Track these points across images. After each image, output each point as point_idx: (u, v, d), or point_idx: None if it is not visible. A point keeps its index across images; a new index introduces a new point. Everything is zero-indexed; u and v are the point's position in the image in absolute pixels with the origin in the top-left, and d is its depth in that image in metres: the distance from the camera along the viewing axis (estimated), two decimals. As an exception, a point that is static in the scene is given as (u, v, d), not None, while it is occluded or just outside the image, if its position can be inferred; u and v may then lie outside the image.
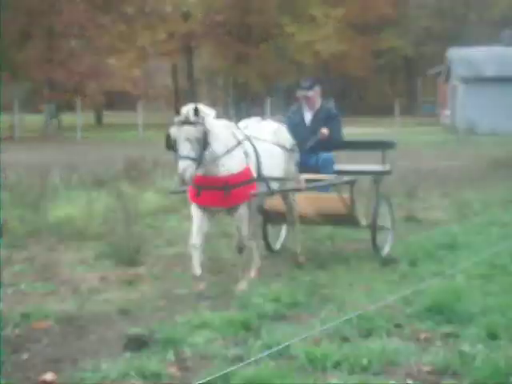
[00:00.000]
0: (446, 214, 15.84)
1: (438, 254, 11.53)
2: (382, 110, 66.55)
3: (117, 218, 14.97)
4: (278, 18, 64.14)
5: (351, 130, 42.53)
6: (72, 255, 12.67)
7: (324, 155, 11.33)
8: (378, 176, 11.70)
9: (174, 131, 8.77)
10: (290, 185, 10.44)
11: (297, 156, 10.56)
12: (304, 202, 10.78)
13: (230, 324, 7.92)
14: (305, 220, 11.08)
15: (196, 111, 8.58)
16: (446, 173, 22.04)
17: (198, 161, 8.65)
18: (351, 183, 10.98)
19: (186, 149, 8.57)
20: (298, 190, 10.49)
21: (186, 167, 8.49)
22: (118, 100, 69.64)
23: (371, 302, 8.54)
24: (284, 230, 12.36)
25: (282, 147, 10.23)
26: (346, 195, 10.82)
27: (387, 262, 10.89)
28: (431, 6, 76.13)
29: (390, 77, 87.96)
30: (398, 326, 7.58)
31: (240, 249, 9.63)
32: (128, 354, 7.13)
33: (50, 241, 13.81)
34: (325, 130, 11.17)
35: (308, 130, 11.47)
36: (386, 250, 11.24)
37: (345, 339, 7.06)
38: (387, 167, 11.70)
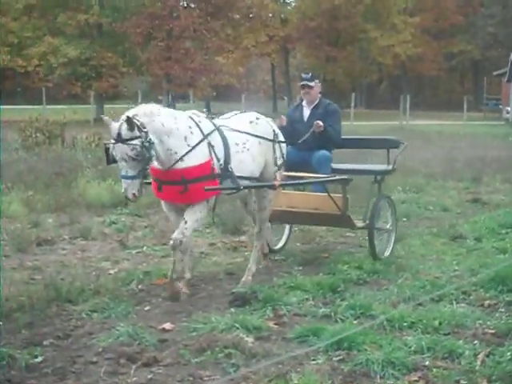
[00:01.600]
0: (509, 197, 15.20)
1: (500, 232, 11.09)
2: (452, 106, 65.71)
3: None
4: (363, 24, 63.33)
5: (424, 122, 42.51)
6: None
7: (320, 153, 9.89)
8: (379, 176, 10.16)
9: (111, 149, 7.34)
10: (263, 180, 8.72)
11: (282, 148, 8.89)
12: (294, 200, 9.51)
13: (319, 287, 7.95)
14: (296, 219, 9.99)
15: (130, 124, 7.05)
16: (507, 161, 21.12)
17: (140, 175, 7.26)
18: (343, 183, 9.36)
19: (123, 168, 7.23)
20: (271, 187, 8.55)
21: (127, 187, 7.22)
22: (225, 92, 69.04)
23: (442, 271, 8.61)
24: (287, 228, 10.47)
25: (260, 138, 8.50)
26: (338, 195, 9.28)
27: (456, 237, 10.49)
28: (497, 16, 74.83)
29: (460, 76, 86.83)
30: (465, 293, 7.50)
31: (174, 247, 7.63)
32: (233, 310, 7.25)
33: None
34: (319, 122, 9.72)
35: (306, 125, 9.99)
36: (386, 253, 9.68)
37: (419, 303, 6.99)
38: (390, 166, 10.16)
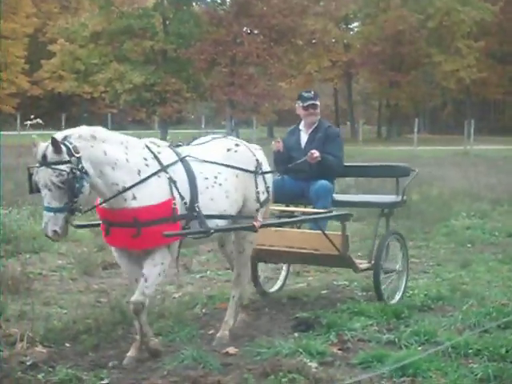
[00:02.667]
0: None
1: None
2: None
3: None
4: (427, 49, 63.66)
5: (489, 147, 42.31)
6: None
7: (318, 183, 8.65)
8: (387, 209, 9.10)
9: (34, 174, 6.26)
10: (239, 221, 7.43)
11: (267, 181, 7.63)
12: (288, 239, 8.40)
13: (383, 313, 7.84)
14: (291, 259, 9.03)
15: (56, 147, 5.98)
16: None
17: (66, 209, 6.15)
18: (342, 219, 8.40)
19: (46, 198, 6.11)
20: (250, 228, 7.33)
21: (47, 222, 6.12)
22: (287, 117, 66.29)
23: (508, 298, 8.39)
24: (284, 269, 9.51)
25: (237, 170, 7.28)
26: (337, 233, 8.33)
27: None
28: None
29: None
30: (533, 321, 7.44)
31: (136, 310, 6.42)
32: (296, 334, 7.20)
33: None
34: (315, 152, 8.53)
35: (303, 152, 8.80)
36: (396, 297, 8.59)
37: (484, 330, 6.86)
38: (399, 198, 8.96)
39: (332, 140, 8.90)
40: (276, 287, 9.34)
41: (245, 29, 55.78)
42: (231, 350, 6.83)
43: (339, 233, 8.16)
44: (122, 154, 6.33)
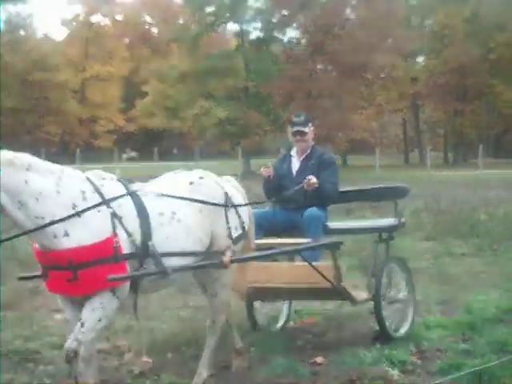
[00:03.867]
0: None
1: None
2: None
3: (363, 239, 13.94)
4: (488, 80, 63.87)
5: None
6: None
7: (308, 212, 7.73)
8: (385, 233, 8.12)
9: None
10: (207, 258, 6.36)
11: (241, 216, 6.67)
12: (275, 274, 7.46)
13: (457, 324, 7.93)
14: (284, 296, 7.99)
15: None
16: None
17: None
18: (332, 248, 7.30)
19: None
20: (218, 265, 6.37)
21: None
22: (360, 146, 70.49)
23: None
24: (285, 306, 8.48)
25: (202, 204, 6.31)
26: (327, 264, 7.37)
27: None
28: None
29: None
30: None
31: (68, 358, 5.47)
32: (378, 345, 7.19)
33: None
34: (312, 178, 7.63)
35: (295, 181, 7.92)
36: (402, 330, 7.72)
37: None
38: (397, 220, 8.04)
39: (327, 167, 7.96)
40: (279, 324, 8.30)
41: (319, 66, 57.51)
42: (319, 359, 6.89)
43: (329, 263, 7.21)
44: (50, 185, 5.39)
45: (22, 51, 72.44)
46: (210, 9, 57.87)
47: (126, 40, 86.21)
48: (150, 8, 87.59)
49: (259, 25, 59.55)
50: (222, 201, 6.31)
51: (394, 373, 6.51)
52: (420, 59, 74.19)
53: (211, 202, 6.25)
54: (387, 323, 7.38)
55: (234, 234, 6.37)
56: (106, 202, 5.48)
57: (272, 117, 56.31)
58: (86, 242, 5.26)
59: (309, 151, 7.99)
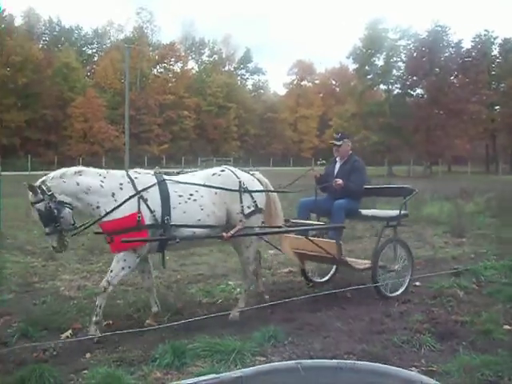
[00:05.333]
0: None
1: None
2: None
3: (453, 214, 17.17)
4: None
5: None
6: (431, 231, 15.00)
7: (336, 202, 8.38)
8: (390, 221, 8.57)
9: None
10: (230, 228, 7.07)
11: (254, 198, 7.32)
12: (302, 243, 8.05)
13: (503, 267, 9.32)
14: (311, 259, 8.69)
15: (32, 190, 6.31)
16: None
17: (55, 232, 6.39)
18: (336, 230, 8.23)
19: (42, 226, 6.47)
20: (219, 238, 7.11)
21: (49, 241, 6.53)
22: (460, 159, 73.67)
23: None
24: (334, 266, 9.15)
25: (215, 188, 7.04)
26: (332, 241, 8.00)
27: None
28: None
29: None
30: None
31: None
32: (452, 278, 8.66)
33: (421, 224, 15.90)
34: (339, 181, 8.40)
35: (337, 176, 8.65)
36: (398, 291, 8.27)
37: None
38: (402, 212, 8.46)
39: (355, 171, 8.58)
40: (326, 278, 9.32)
41: (435, 110, 63.27)
42: (417, 283, 8.43)
43: (333, 242, 7.88)
44: (96, 182, 6.47)
45: (261, 100, 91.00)
46: (369, 76, 67.85)
47: (321, 94, 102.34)
48: (335, 75, 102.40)
49: (399, 85, 68.35)
50: (236, 187, 7.12)
51: (461, 293, 7.78)
52: (497, 107, 76.79)
53: (228, 187, 7.08)
54: (383, 286, 7.98)
55: (246, 211, 7.18)
56: (137, 191, 6.50)
57: (405, 141, 63.00)
58: (117, 217, 6.39)
59: (346, 158, 8.75)
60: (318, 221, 8.85)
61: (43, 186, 6.36)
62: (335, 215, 8.40)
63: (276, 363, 3.15)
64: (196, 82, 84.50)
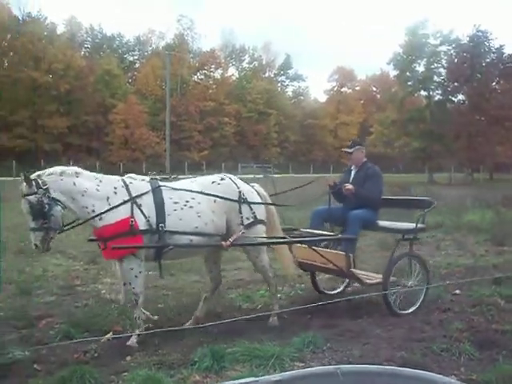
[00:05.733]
0: None
1: None
2: None
3: (494, 222, 16.89)
4: None
5: None
6: (472, 239, 14.68)
7: (353, 212, 8.03)
8: (405, 234, 8.03)
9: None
10: (212, 239, 6.88)
11: (252, 209, 7.13)
12: (309, 254, 7.84)
13: None
14: (317, 270, 8.48)
15: (27, 182, 6.09)
16: None
17: (42, 229, 6.12)
18: (346, 241, 7.85)
19: (28, 220, 6.17)
20: (217, 247, 7.02)
21: (32, 238, 6.16)
22: (502, 166, 70.97)
23: None
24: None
25: (212, 197, 6.84)
26: (341, 253, 7.68)
27: None
28: None
29: None
30: None
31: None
32: (493, 286, 8.59)
33: (462, 231, 15.82)
34: (348, 185, 8.13)
35: (351, 184, 8.24)
36: (410, 309, 7.86)
37: None
38: (419, 225, 7.95)
39: (370, 178, 8.26)
40: (337, 291, 9.06)
41: (476, 117, 61.67)
42: (457, 291, 8.38)
43: (342, 253, 7.57)
44: (93, 185, 6.33)
45: (300, 107, 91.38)
46: (410, 83, 65.67)
47: (361, 101, 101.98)
48: (375, 82, 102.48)
49: (440, 91, 66.81)
50: (235, 197, 6.97)
51: (502, 302, 7.75)
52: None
53: (228, 196, 6.92)
54: (392, 302, 7.63)
55: (246, 222, 7.00)
56: (131, 196, 6.38)
57: (446, 147, 61.74)
58: (110, 222, 6.23)
59: (361, 165, 8.43)
60: (332, 231, 8.57)
61: (39, 180, 6.22)
62: (350, 226, 8.08)
63: (315, 368, 3.17)
64: (236, 88, 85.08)
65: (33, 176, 6.22)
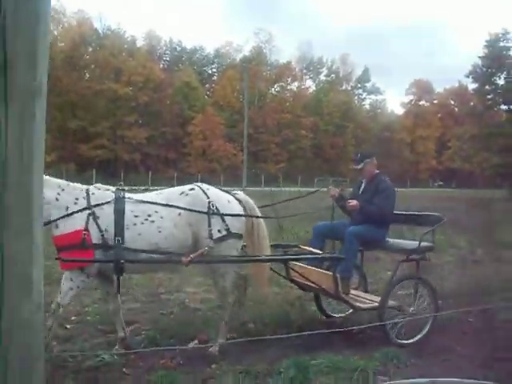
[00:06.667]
0: None
1: None
2: None
3: None
4: None
5: None
6: None
7: (351, 228, 7.41)
8: (411, 254, 7.28)
9: None
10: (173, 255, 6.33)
11: (225, 221, 6.47)
12: (304, 273, 7.17)
13: None
14: (312, 290, 7.74)
15: None
16: None
17: None
18: (332, 260, 7.25)
19: None
20: (174, 262, 6.42)
21: None
22: None
23: None
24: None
25: (181, 210, 6.38)
26: (328, 272, 7.07)
27: None
28: None
29: None
30: None
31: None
32: None
33: None
34: (352, 202, 7.59)
35: (360, 199, 7.71)
36: (416, 337, 7.13)
37: None
38: (424, 244, 7.24)
39: (380, 192, 7.65)
40: (343, 314, 8.34)
41: None
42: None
43: (330, 274, 6.96)
44: (53, 194, 6.06)
45: (377, 120, 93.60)
46: (489, 96, 63.91)
47: (439, 115, 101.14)
48: (453, 95, 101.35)
49: None
50: (204, 208, 6.42)
51: None
52: None
53: (196, 208, 6.40)
54: (392, 330, 6.90)
55: (216, 235, 6.41)
56: (89, 206, 6.08)
57: None
58: (66, 231, 5.94)
59: (371, 178, 7.89)
60: (333, 247, 8.05)
61: None
62: (345, 243, 7.43)
63: (412, 379, 3.15)
64: (313, 101, 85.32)
65: None
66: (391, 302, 7.17)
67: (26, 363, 2.08)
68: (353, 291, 7.71)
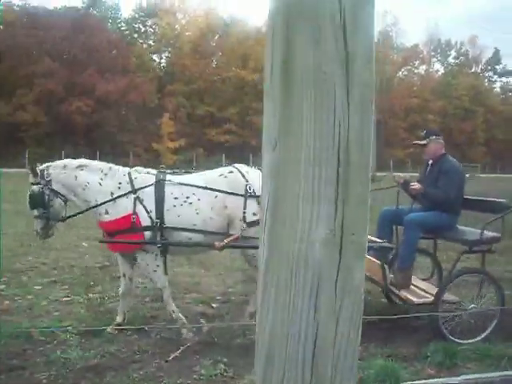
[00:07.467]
0: None
1: None
2: None
3: None
4: None
5: None
6: None
7: (409, 215, 6.92)
8: (474, 246, 6.58)
9: None
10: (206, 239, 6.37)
11: (256, 203, 6.26)
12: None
13: None
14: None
15: (33, 172, 6.33)
16: None
17: (43, 217, 6.33)
18: (380, 251, 6.68)
19: (29, 207, 6.43)
20: (209, 247, 6.37)
21: (34, 224, 6.40)
22: None
23: None
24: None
25: (217, 192, 6.38)
26: (376, 261, 6.66)
27: None
28: None
29: None
30: None
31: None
32: None
33: None
34: (414, 184, 7.08)
35: (426, 182, 7.21)
36: (477, 337, 6.42)
37: None
38: (490, 234, 6.57)
39: (443, 174, 7.03)
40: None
41: None
42: None
43: (378, 263, 6.60)
44: (96, 179, 6.31)
45: (507, 104, 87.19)
46: None
47: None
48: None
49: None
50: (242, 190, 6.38)
51: None
52: None
53: (232, 191, 6.39)
54: (446, 328, 6.38)
55: (250, 219, 6.34)
56: (133, 190, 6.26)
57: None
58: (114, 217, 6.20)
59: (437, 159, 7.31)
60: (396, 235, 7.49)
61: (45, 171, 6.33)
62: (405, 231, 6.94)
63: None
64: (441, 84, 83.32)
65: (41, 167, 6.36)
66: (451, 297, 6.66)
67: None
68: (420, 283, 7.31)
